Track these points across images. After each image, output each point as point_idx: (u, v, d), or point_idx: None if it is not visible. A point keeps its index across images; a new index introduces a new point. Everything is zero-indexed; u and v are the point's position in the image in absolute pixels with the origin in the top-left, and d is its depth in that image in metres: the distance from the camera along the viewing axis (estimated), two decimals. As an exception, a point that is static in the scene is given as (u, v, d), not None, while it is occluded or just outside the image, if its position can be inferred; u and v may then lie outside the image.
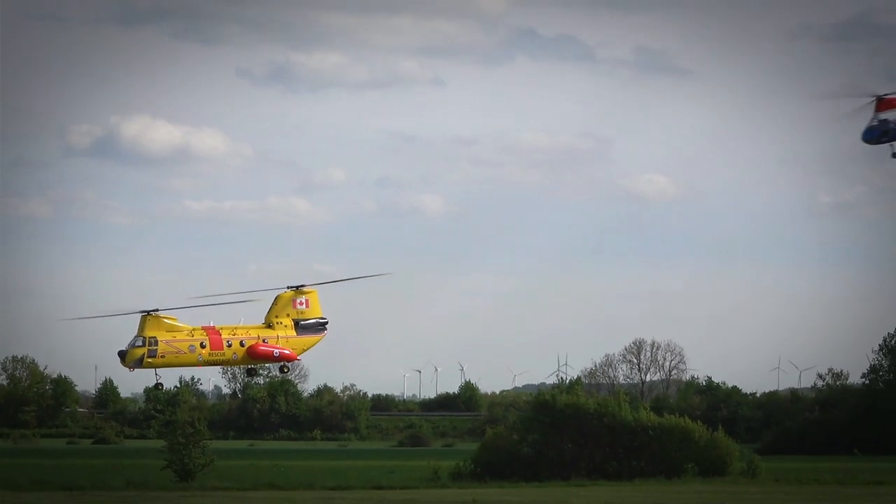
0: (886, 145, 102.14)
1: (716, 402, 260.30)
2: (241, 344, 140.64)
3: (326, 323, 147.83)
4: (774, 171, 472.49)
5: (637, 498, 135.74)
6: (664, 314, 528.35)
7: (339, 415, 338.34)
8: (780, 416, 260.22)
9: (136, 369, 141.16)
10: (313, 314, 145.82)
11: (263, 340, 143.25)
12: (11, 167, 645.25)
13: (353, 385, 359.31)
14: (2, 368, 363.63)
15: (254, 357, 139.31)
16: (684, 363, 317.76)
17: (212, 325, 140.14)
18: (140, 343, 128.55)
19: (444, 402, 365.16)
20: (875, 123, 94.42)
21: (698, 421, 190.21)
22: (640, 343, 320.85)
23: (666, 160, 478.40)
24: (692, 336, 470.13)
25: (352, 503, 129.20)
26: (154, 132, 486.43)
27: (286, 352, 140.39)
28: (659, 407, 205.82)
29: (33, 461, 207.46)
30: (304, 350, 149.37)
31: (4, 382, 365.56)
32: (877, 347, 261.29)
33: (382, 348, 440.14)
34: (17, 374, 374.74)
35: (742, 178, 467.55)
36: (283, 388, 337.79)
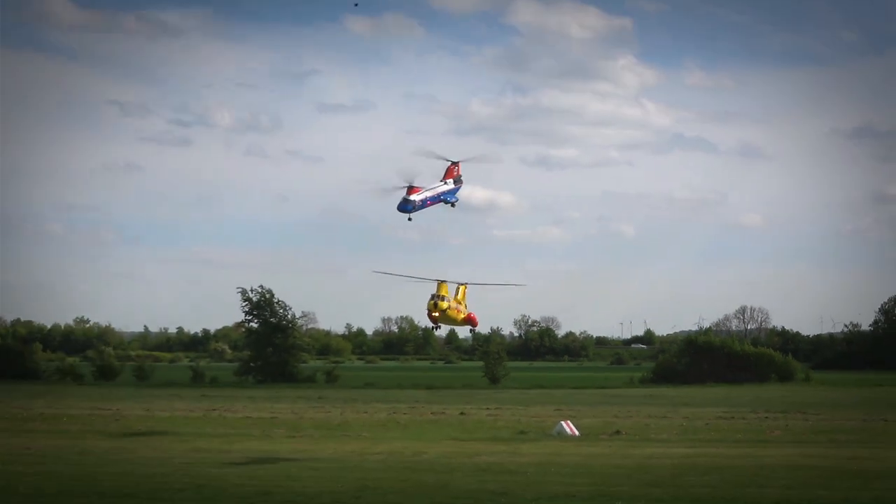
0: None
1: (787, 340, 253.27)
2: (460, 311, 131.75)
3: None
4: (826, 211, 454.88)
5: (743, 392, 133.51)
6: (757, 290, 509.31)
7: (578, 347, 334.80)
8: (823, 348, 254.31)
9: (437, 316, 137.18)
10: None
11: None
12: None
13: (585, 331, 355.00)
14: (395, 322, 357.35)
15: (467, 321, 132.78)
16: (769, 318, 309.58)
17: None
18: (443, 300, 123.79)
19: (635, 340, 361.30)
20: (403, 201, 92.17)
21: (777, 351, 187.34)
22: (744, 307, 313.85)
23: (760, 206, 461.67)
24: (774, 303, 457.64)
25: (587, 396, 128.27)
26: (477, 193, 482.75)
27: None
28: (755, 343, 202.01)
29: (412, 374, 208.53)
30: None
31: (396, 330, 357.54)
32: (877, 309, 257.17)
33: (600, 308, 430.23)
34: (402, 325, 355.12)
35: (806, 216, 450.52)
36: (547, 332, 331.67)
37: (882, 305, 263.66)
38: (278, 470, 43.88)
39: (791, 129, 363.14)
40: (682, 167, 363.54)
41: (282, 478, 40.62)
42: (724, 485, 38.73)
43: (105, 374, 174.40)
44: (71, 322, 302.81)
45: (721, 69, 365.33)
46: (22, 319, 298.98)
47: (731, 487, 37.93)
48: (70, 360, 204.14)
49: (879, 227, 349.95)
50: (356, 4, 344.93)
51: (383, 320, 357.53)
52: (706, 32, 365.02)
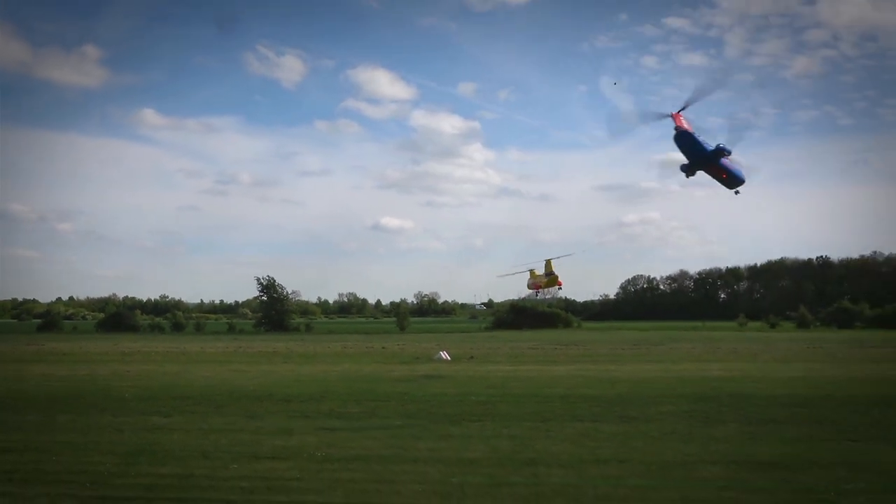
0: None
1: (569, 304, 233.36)
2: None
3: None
4: (589, 232, 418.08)
5: (543, 335, 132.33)
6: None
7: (450, 308, 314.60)
8: (589, 308, 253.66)
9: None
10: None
11: None
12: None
13: (454, 299, 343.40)
14: (345, 296, 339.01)
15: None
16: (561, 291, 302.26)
17: None
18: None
19: (484, 304, 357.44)
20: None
21: (563, 310, 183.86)
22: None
23: (553, 229, 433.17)
24: (564, 281, 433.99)
25: (455, 337, 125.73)
26: (394, 222, 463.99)
27: None
28: (550, 306, 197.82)
29: (355, 325, 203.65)
30: None
31: (346, 300, 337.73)
32: (619, 285, 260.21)
33: (462, 285, 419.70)
34: (349, 297, 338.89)
35: (578, 235, 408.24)
36: (432, 300, 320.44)
37: (621, 283, 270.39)
38: (276, 380, 43.61)
39: (570, 184, 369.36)
40: (507, 207, 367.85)
41: (278, 385, 40.41)
42: (532, 386, 39.40)
43: (177, 328, 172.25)
44: (158, 297, 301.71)
45: (528, 151, 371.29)
46: (129, 296, 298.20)
47: (536, 387, 38.61)
48: (157, 319, 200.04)
49: (618, 241, 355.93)
50: (615, 83, 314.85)
51: (339, 294, 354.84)
52: (518, 130, 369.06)
